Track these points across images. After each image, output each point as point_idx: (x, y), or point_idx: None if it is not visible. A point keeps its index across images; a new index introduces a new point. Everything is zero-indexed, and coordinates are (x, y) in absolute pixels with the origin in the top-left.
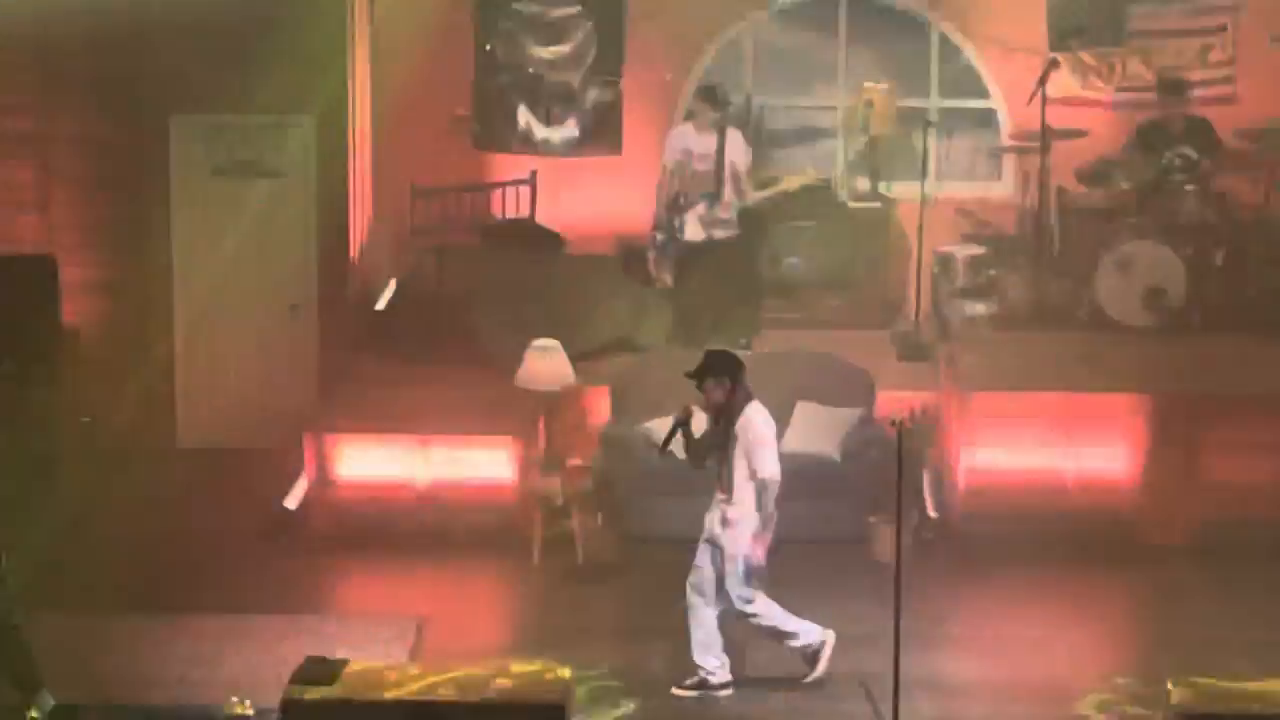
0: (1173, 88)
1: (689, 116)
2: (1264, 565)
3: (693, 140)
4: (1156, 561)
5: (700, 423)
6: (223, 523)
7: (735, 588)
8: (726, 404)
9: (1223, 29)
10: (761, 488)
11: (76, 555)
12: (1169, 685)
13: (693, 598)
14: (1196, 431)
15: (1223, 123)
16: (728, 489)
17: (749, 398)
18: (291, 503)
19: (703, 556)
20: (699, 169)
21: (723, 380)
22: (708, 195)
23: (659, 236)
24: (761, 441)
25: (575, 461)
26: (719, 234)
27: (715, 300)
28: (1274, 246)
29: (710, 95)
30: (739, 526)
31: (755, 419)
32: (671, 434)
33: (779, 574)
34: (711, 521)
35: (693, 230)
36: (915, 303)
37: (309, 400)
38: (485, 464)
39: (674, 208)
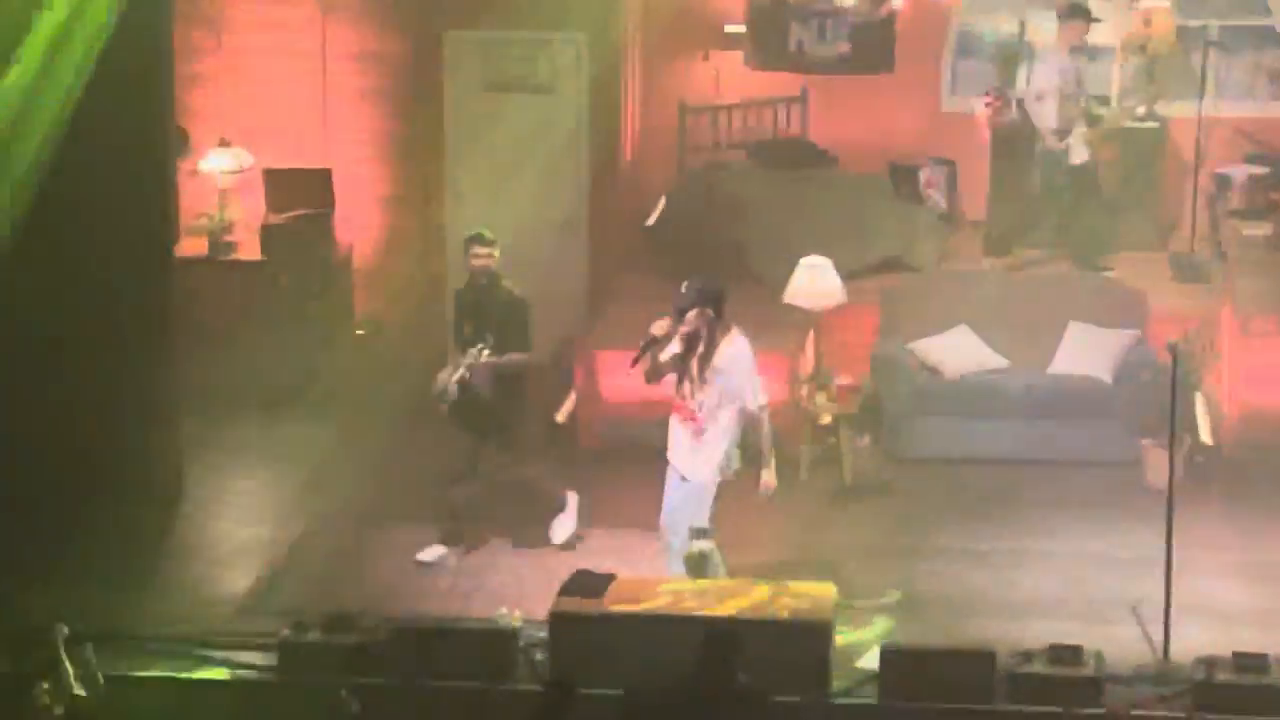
0: None
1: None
2: None
3: (1066, 63)
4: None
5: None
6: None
7: (693, 520)
8: (708, 332)
9: None
10: (756, 420)
11: (351, 468)
12: None
13: (670, 537)
14: None
15: None
16: (701, 415)
17: (728, 327)
18: (561, 417)
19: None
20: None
21: (706, 309)
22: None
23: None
24: (753, 372)
25: (844, 380)
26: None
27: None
28: None
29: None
30: (707, 453)
31: (744, 350)
32: (644, 352)
33: (1051, 496)
34: (676, 449)
35: (1078, 153)
36: (1192, 224)
37: (579, 316)
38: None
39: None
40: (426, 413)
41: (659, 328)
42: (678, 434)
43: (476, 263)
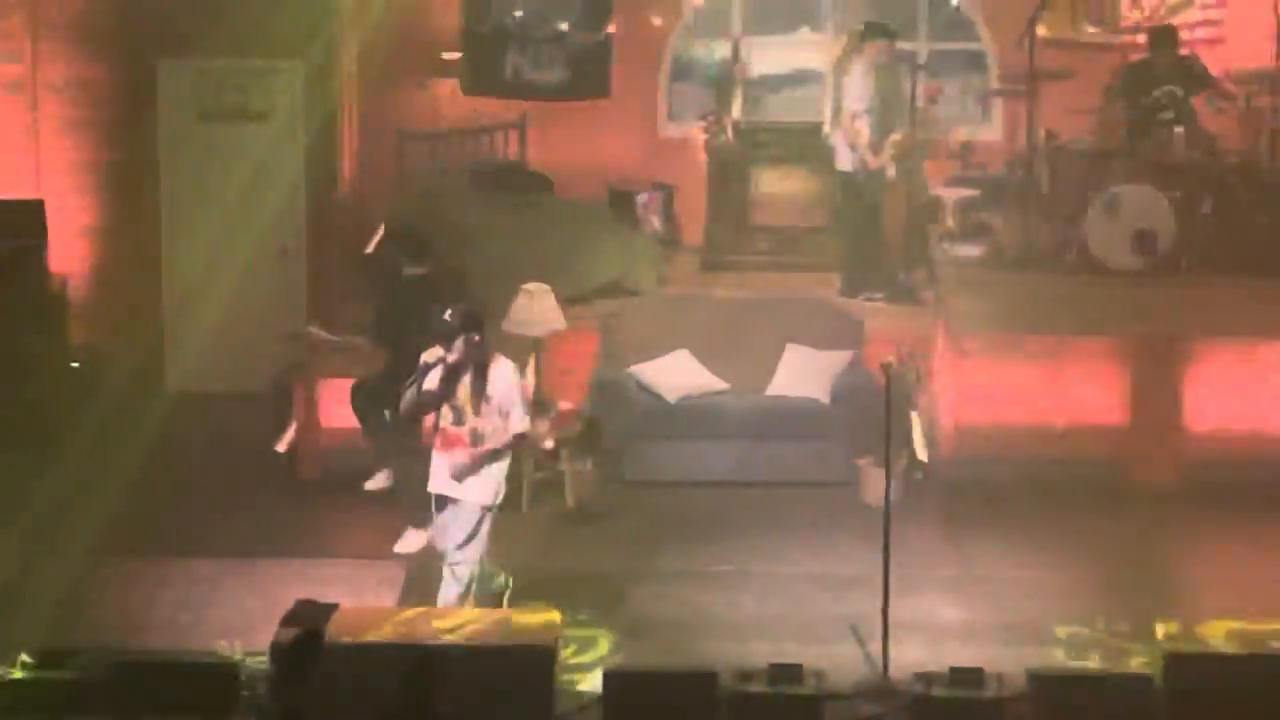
0: (1162, 29)
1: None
2: (1251, 507)
3: (871, 83)
4: (1144, 503)
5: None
6: (212, 466)
7: (460, 545)
8: (478, 359)
9: None
10: (518, 442)
11: (66, 499)
12: (1156, 625)
13: (461, 568)
14: (1184, 374)
15: (1211, 65)
16: (477, 442)
17: (493, 352)
18: (282, 447)
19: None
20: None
21: (473, 335)
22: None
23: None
24: (521, 396)
25: (565, 405)
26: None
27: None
28: (1262, 188)
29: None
30: (485, 478)
31: (512, 374)
32: (417, 382)
33: (770, 516)
34: (445, 480)
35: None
36: (905, 246)
37: (298, 346)
38: None
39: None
40: (144, 443)
41: (431, 355)
42: (447, 464)
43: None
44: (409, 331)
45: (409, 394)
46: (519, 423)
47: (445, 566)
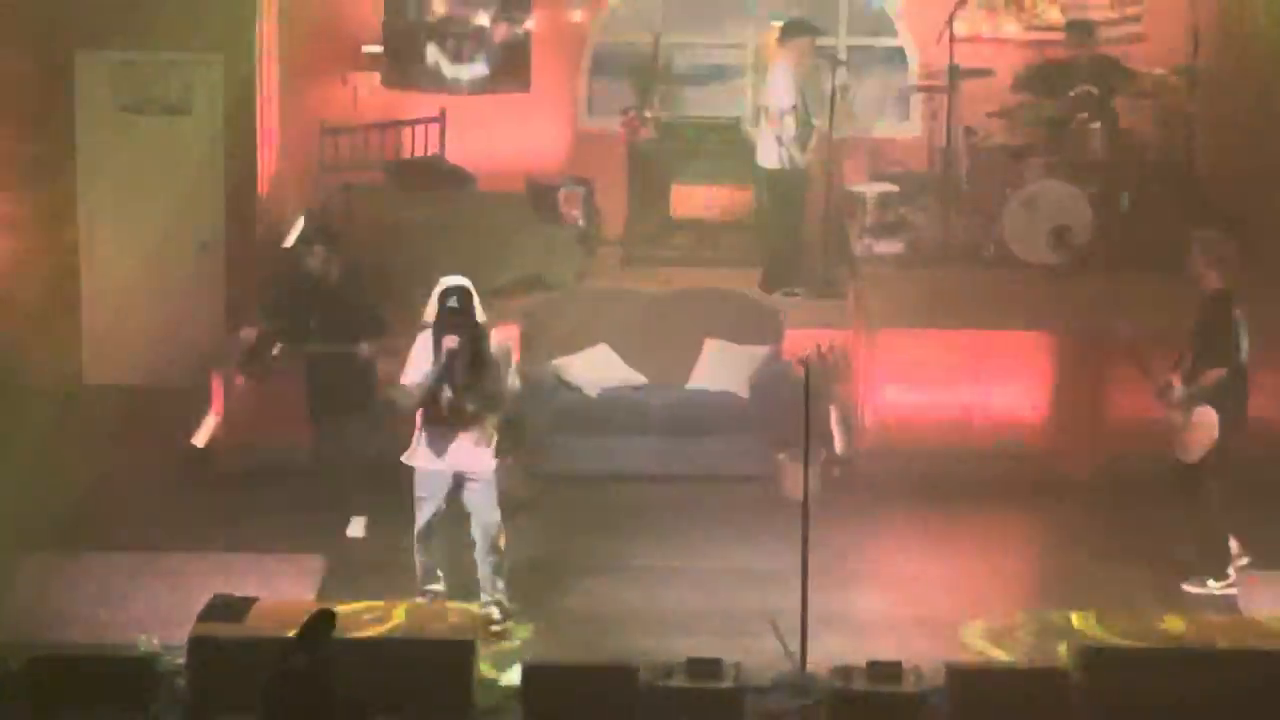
0: (1080, 27)
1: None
2: (1167, 500)
3: (793, 80)
4: (1061, 497)
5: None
6: (130, 460)
7: (494, 514)
8: (472, 338)
9: None
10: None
11: None
12: (1073, 617)
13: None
14: (1101, 369)
15: (1130, 63)
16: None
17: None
18: (199, 440)
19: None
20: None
21: (470, 316)
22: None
23: None
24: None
25: None
26: None
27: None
28: (1178, 185)
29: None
30: (485, 448)
31: (503, 346)
32: (446, 370)
33: (690, 510)
34: (456, 454)
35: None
36: (824, 241)
37: (216, 337)
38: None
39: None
40: (62, 437)
41: (452, 341)
42: (450, 439)
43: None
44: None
45: (429, 379)
46: (515, 386)
47: (483, 541)
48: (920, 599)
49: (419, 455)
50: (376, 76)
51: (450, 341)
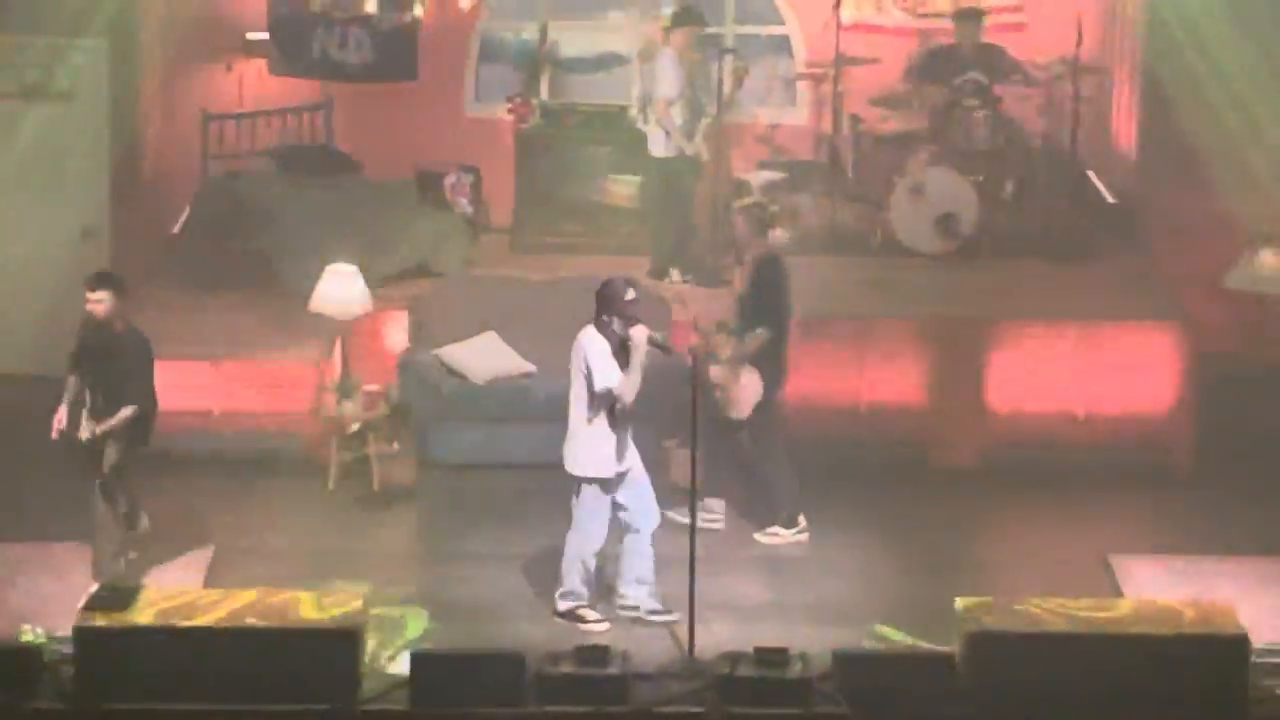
0: (967, 15)
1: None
2: (1051, 488)
3: (681, 68)
4: (947, 484)
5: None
6: (13, 449)
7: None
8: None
9: None
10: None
11: None
12: (959, 604)
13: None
14: (986, 356)
15: (1014, 51)
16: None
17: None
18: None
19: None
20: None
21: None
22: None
23: None
24: None
25: (371, 387)
26: None
27: None
28: (1061, 173)
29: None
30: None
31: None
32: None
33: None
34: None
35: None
36: (712, 229)
37: None
38: (281, 390)
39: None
40: None
41: (642, 333)
42: (624, 440)
43: (88, 307)
44: None
45: (630, 375)
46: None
47: (648, 544)
48: (809, 585)
49: (604, 462)
50: (263, 63)
51: (641, 332)
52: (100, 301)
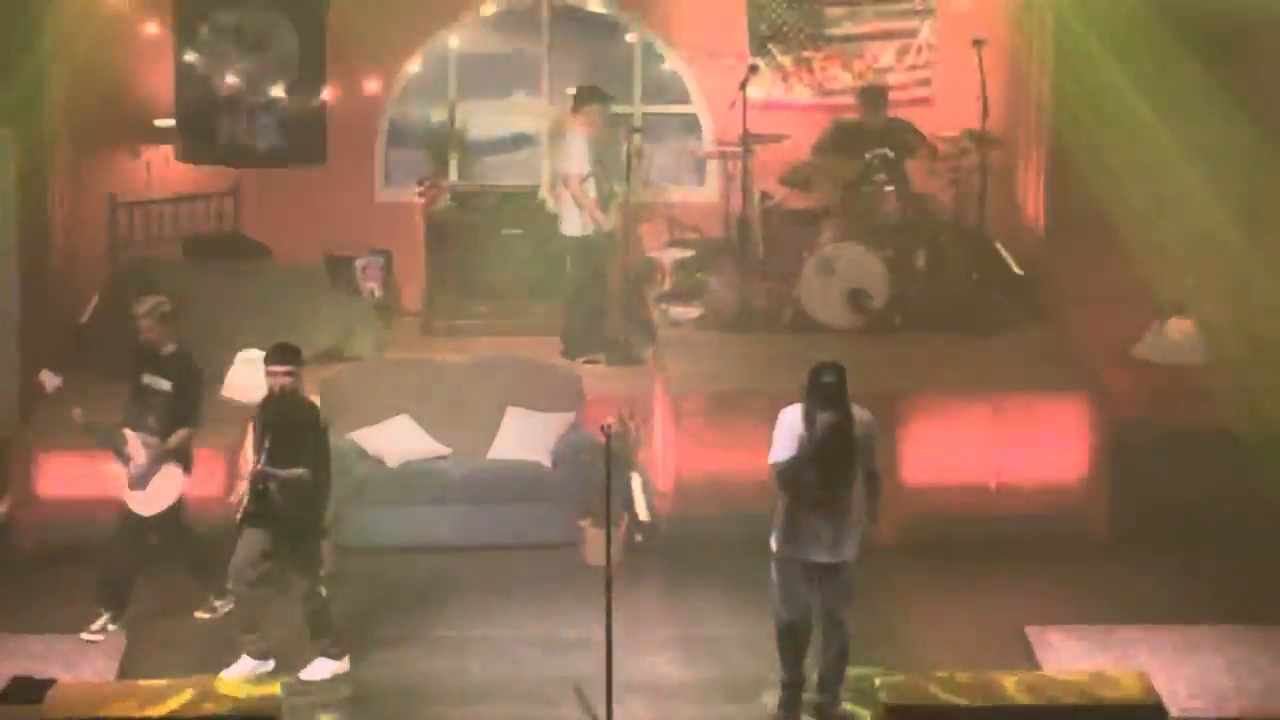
0: (872, 92)
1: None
2: (966, 559)
3: (588, 146)
4: (862, 558)
5: None
6: None
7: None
8: None
9: (915, 34)
10: None
11: None
12: (876, 680)
13: None
14: (898, 430)
15: (920, 126)
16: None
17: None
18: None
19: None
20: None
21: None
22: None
23: None
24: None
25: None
26: None
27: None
28: (970, 246)
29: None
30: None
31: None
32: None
33: (494, 579)
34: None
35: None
36: (624, 307)
37: (11, 415)
38: (194, 477)
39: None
40: None
41: (830, 418)
42: (825, 526)
43: (270, 380)
44: None
45: (800, 456)
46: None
47: (841, 637)
48: (726, 662)
49: (788, 545)
50: (170, 150)
51: (829, 418)
52: (286, 374)
